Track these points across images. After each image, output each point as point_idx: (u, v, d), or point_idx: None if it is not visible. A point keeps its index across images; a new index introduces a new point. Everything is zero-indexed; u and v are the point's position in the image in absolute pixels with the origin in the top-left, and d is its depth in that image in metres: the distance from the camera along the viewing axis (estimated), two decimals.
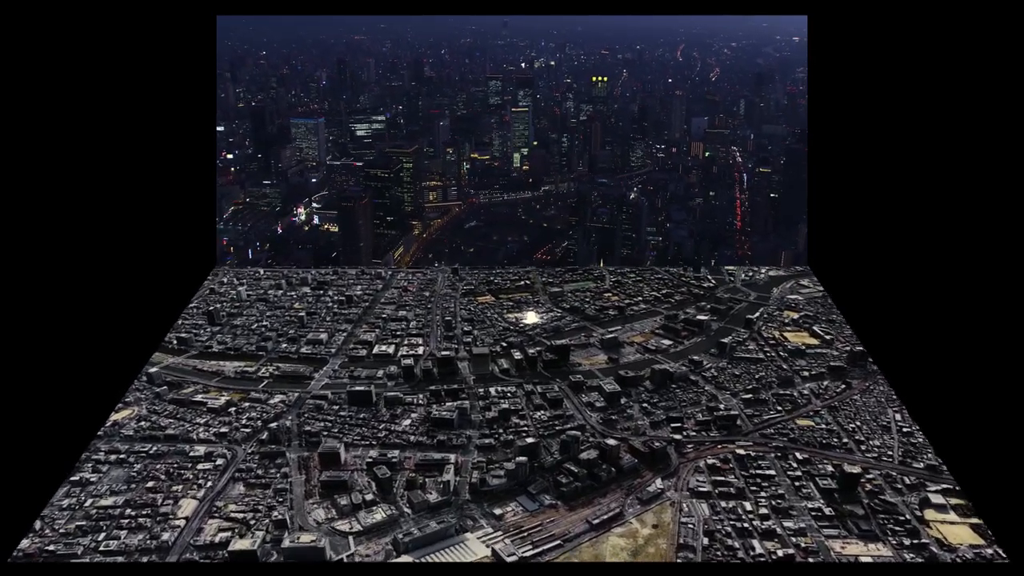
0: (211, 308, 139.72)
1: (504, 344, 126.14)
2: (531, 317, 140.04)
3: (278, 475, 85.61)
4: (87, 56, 46.57)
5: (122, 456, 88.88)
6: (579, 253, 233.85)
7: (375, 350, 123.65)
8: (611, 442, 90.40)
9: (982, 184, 37.54)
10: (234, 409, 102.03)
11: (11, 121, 37.85)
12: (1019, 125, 34.36)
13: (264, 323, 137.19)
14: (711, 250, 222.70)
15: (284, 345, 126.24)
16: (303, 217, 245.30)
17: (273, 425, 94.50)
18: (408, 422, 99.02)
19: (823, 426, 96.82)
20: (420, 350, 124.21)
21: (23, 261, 39.53)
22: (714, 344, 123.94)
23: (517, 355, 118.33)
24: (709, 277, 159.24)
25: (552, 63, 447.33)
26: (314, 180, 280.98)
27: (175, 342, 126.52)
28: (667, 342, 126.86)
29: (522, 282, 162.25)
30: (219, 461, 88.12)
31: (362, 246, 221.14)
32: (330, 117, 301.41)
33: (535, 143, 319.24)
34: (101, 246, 55.37)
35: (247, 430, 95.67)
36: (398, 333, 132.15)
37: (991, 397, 36.91)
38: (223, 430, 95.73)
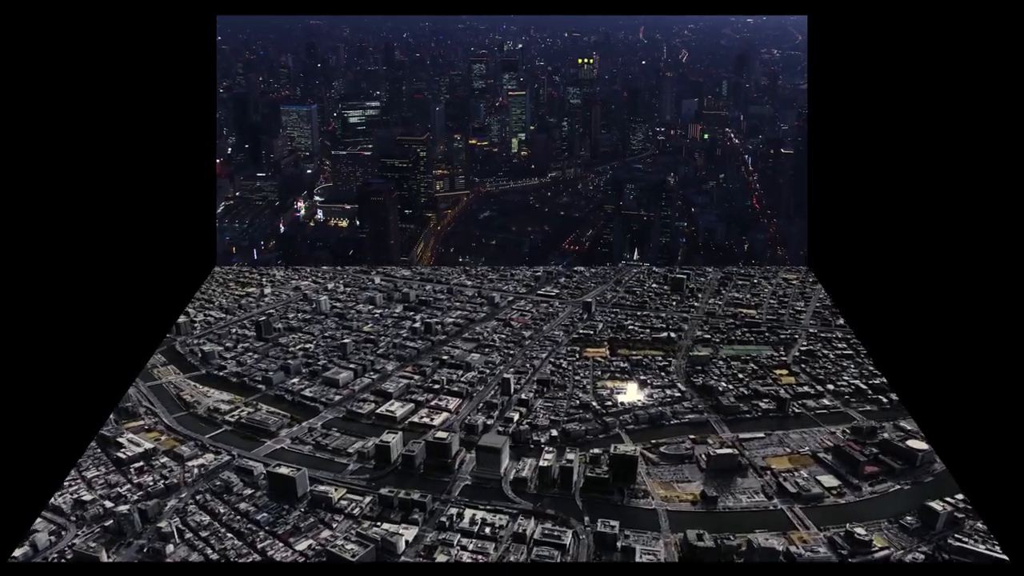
0: (262, 319, 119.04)
1: (557, 432, 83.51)
2: (631, 392, 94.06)
3: None
4: (87, 56, 45.66)
5: None
6: (614, 243, 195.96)
7: (383, 408, 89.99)
8: None
9: (983, 184, 37.13)
10: (139, 466, 76.84)
11: (8, 122, 37.48)
12: (1020, 124, 34.24)
13: (308, 345, 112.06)
14: (740, 235, 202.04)
15: (294, 380, 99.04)
16: (303, 212, 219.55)
17: (123, 509, 66.58)
18: (304, 546, 63.75)
19: None
20: (441, 418, 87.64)
21: (17, 264, 38.49)
22: (915, 505, 66.82)
23: (547, 458, 75.16)
24: None
25: (520, 46, 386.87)
26: (309, 171, 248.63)
27: (200, 354, 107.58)
28: (830, 481, 72.42)
29: (664, 333, 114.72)
30: (19, 553, 62.37)
31: (392, 244, 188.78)
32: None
33: (532, 127, 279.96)
34: (98, 247, 50.85)
35: (109, 504, 69.17)
36: (435, 387, 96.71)
37: (992, 397, 35.55)
38: (88, 497, 70.52)
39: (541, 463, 73.87)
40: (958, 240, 39.89)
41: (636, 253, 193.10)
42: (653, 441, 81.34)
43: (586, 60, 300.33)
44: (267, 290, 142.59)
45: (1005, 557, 43.41)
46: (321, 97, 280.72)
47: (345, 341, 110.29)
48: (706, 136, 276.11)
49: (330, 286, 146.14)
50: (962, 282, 39.10)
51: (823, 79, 63.79)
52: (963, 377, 38.49)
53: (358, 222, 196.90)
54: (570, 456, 74.05)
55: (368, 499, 70.43)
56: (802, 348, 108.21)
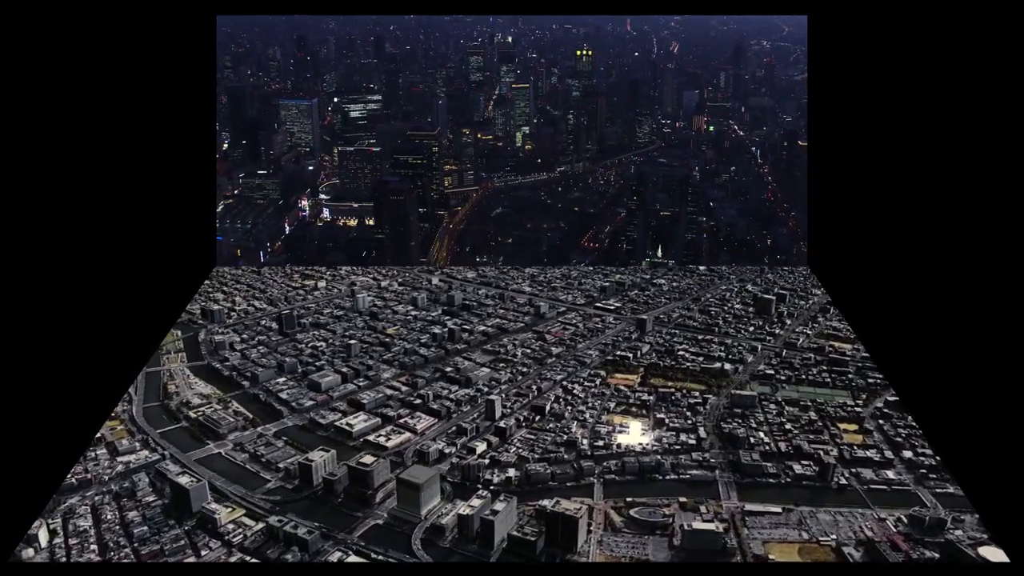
0: (285, 312, 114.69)
1: (518, 472, 69.26)
2: (635, 433, 77.08)
3: None
4: (87, 56, 45.87)
5: None
6: (638, 240, 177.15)
7: (343, 421, 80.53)
8: None
9: (983, 183, 38.06)
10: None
11: (10, 122, 37.66)
12: (1019, 124, 35.13)
13: (321, 343, 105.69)
14: (761, 229, 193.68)
15: (281, 380, 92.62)
16: (308, 211, 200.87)
17: None
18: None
19: None
20: (400, 439, 76.61)
21: (18, 263, 38.22)
22: None
23: (473, 505, 61.12)
24: None
25: (510, 38, 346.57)
26: (310, 168, 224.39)
27: (212, 343, 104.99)
28: None
29: (718, 364, 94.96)
30: None
31: (412, 244, 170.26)
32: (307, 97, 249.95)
33: (535, 120, 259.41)
34: (98, 247, 50.76)
35: None
36: (416, 401, 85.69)
37: (992, 397, 36.21)
38: None
39: (462, 511, 60.17)
40: (959, 239, 39.45)
41: (660, 250, 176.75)
42: (629, 499, 64.51)
43: (585, 52, 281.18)
44: (321, 284, 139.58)
45: None
46: (315, 91, 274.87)
47: (351, 342, 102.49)
48: (711, 128, 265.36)
49: (384, 283, 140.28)
50: (964, 282, 38.79)
51: (823, 80, 63.56)
52: (964, 376, 38.28)
53: (372, 221, 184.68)
54: (498, 506, 59.60)
55: (259, 526, 61.04)
56: (890, 399, 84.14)
